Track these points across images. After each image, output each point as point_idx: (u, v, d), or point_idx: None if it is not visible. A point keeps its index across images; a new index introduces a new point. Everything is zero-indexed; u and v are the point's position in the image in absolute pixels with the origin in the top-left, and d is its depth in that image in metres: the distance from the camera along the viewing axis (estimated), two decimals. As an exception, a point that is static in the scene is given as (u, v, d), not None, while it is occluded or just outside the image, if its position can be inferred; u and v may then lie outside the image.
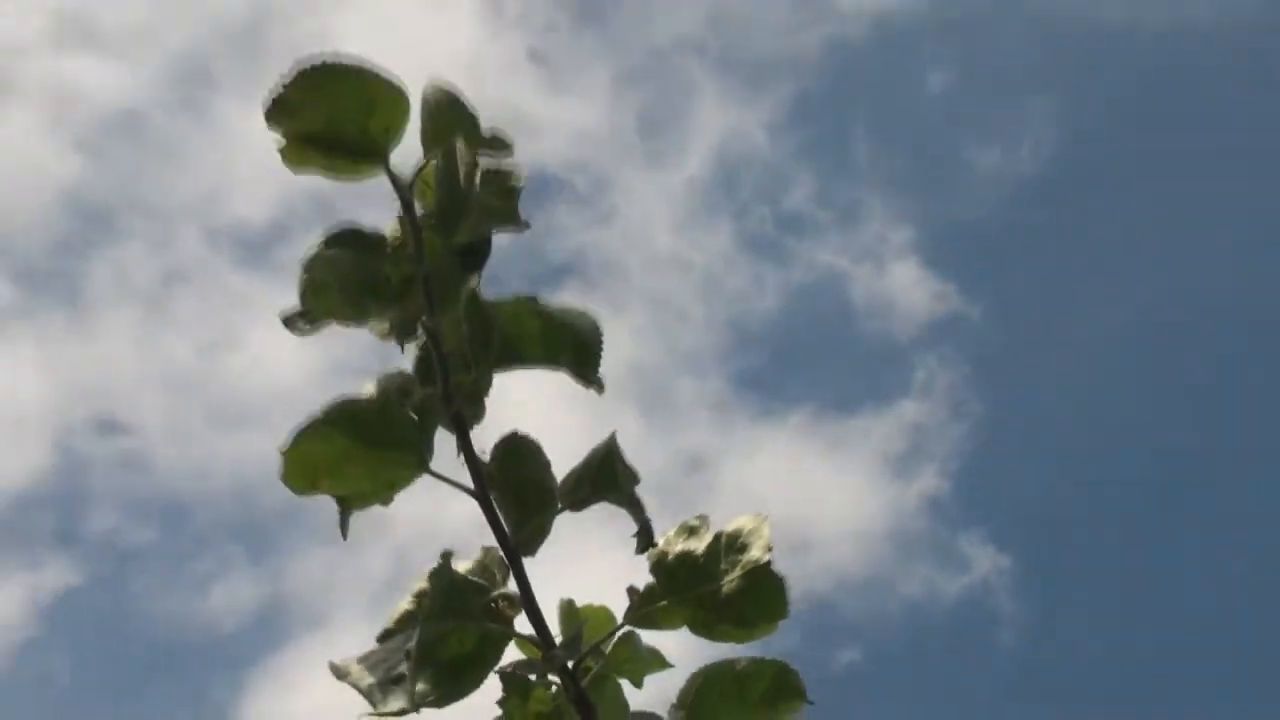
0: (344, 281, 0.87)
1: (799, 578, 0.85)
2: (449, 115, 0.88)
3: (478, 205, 0.86)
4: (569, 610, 0.88)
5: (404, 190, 0.90)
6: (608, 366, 0.90)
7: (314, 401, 0.86)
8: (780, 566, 0.85)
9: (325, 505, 0.86)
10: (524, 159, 0.89)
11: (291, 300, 0.89)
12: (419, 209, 0.91)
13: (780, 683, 0.87)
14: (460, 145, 0.85)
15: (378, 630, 0.87)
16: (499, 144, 0.88)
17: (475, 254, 0.90)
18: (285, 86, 0.85)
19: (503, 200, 0.88)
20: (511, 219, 0.87)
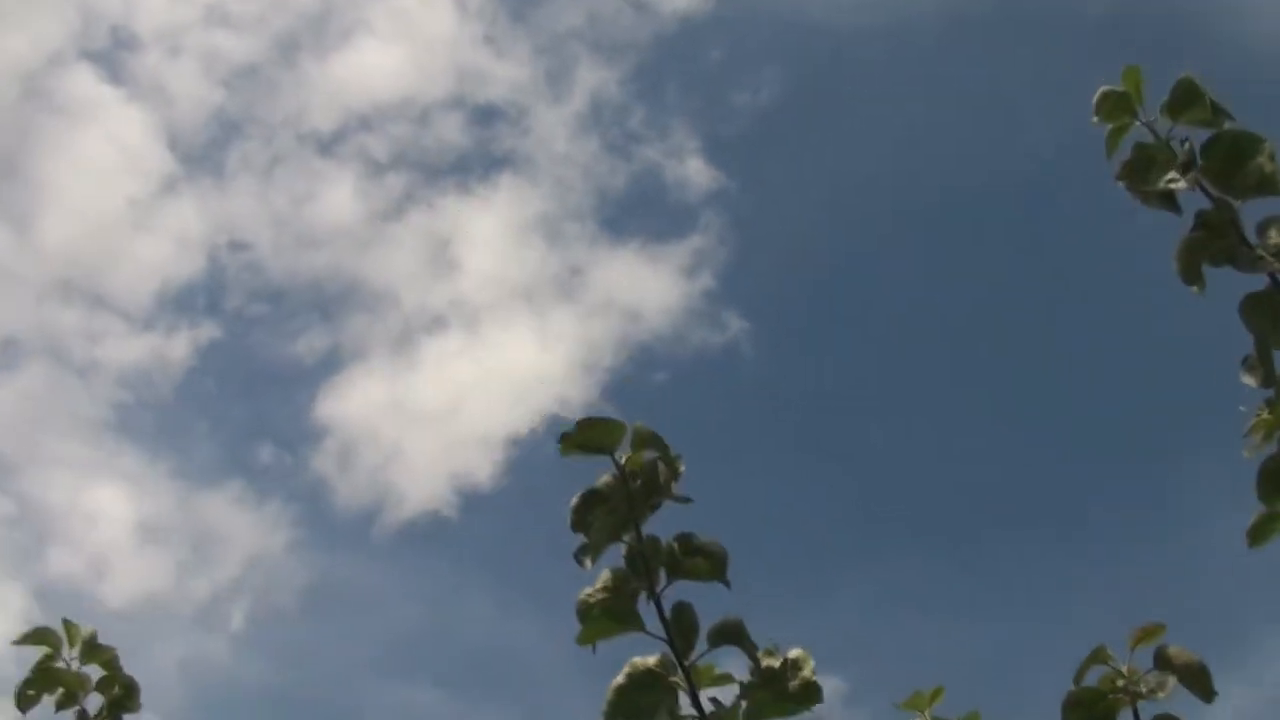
0: (599, 523, 1.71)
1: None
2: (649, 437, 1.71)
3: (664, 487, 1.70)
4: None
5: (622, 470, 1.73)
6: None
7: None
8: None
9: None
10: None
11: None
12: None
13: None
14: (654, 455, 1.69)
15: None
16: (673, 459, 1.71)
17: (655, 507, 1.74)
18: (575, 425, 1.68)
19: (672, 479, 1.72)
20: (679, 498, 1.71)
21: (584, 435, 1.67)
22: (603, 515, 1.69)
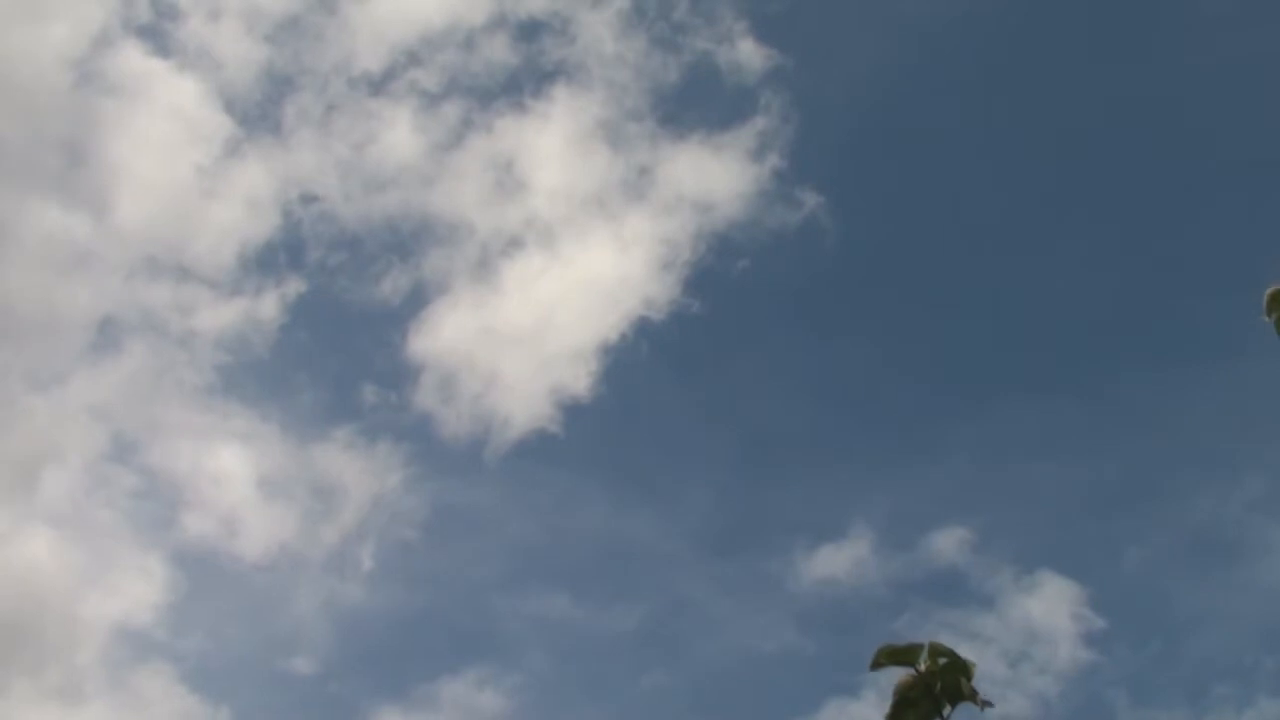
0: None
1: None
2: (943, 650, 2.12)
3: (966, 692, 2.12)
4: None
5: (923, 676, 2.15)
6: None
7: None
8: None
9: None
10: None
11: None
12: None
13: None
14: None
15: None
16: (965, 665, 2.13)
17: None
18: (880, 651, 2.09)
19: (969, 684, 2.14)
20: (981, 703, 2.14)
21: (891, 656, 2.09)
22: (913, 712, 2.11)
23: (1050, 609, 30.89)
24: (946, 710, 2.14)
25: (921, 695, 2.12)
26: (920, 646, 2.11)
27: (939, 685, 2.09)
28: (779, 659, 32.81)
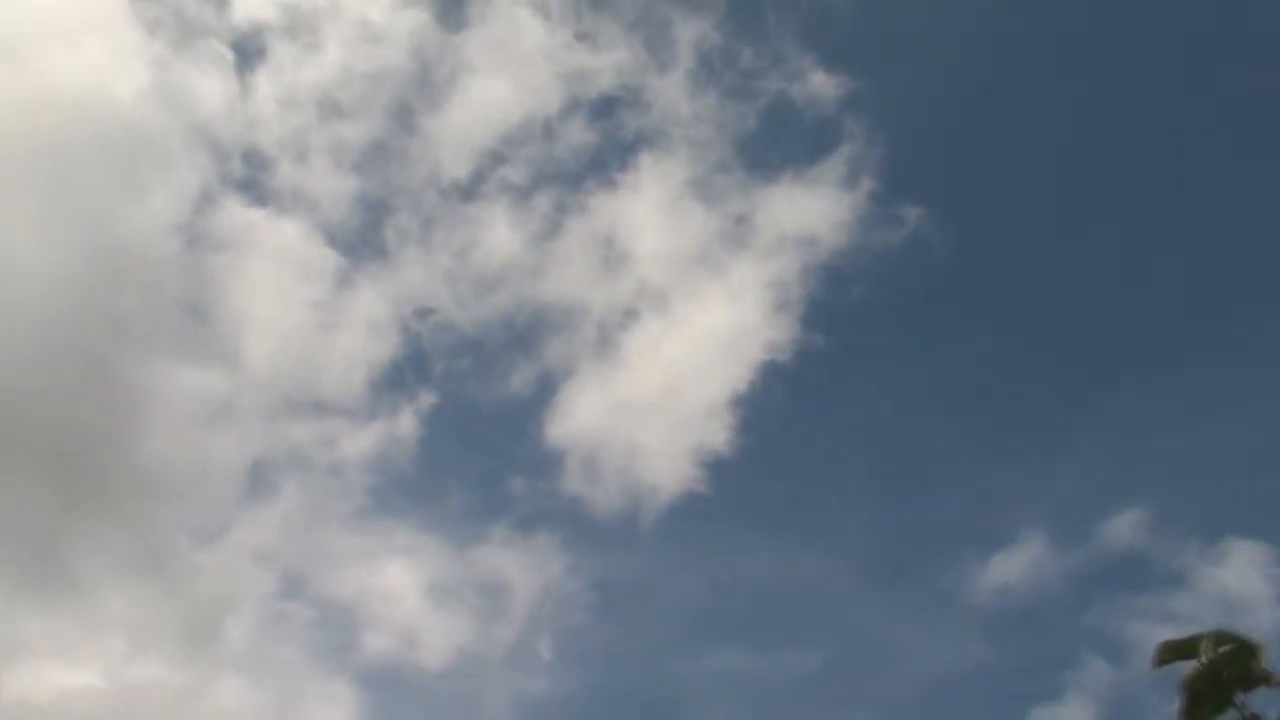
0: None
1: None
2: (1226, 636, 2.15)
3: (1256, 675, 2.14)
4: None
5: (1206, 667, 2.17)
6: None
7: None
8: None
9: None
10: None
11: None
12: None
13: None
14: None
15: None
16: (1254, 646, 2.15)
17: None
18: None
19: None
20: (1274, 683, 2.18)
21: (1172, 652, 2.10)
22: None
23: (1243, 575, 29.98)
24: (1239, 697, 2.13)
25: (1209, 686, 2.12)
26: (1200, 637, 2.13)
27: (1226, 673, 2.09)
28: (970, 675, 32.26)
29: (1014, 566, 33.51)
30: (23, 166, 33.57)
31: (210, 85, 37.01)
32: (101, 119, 35.08)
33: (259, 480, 36.06)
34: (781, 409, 36.42)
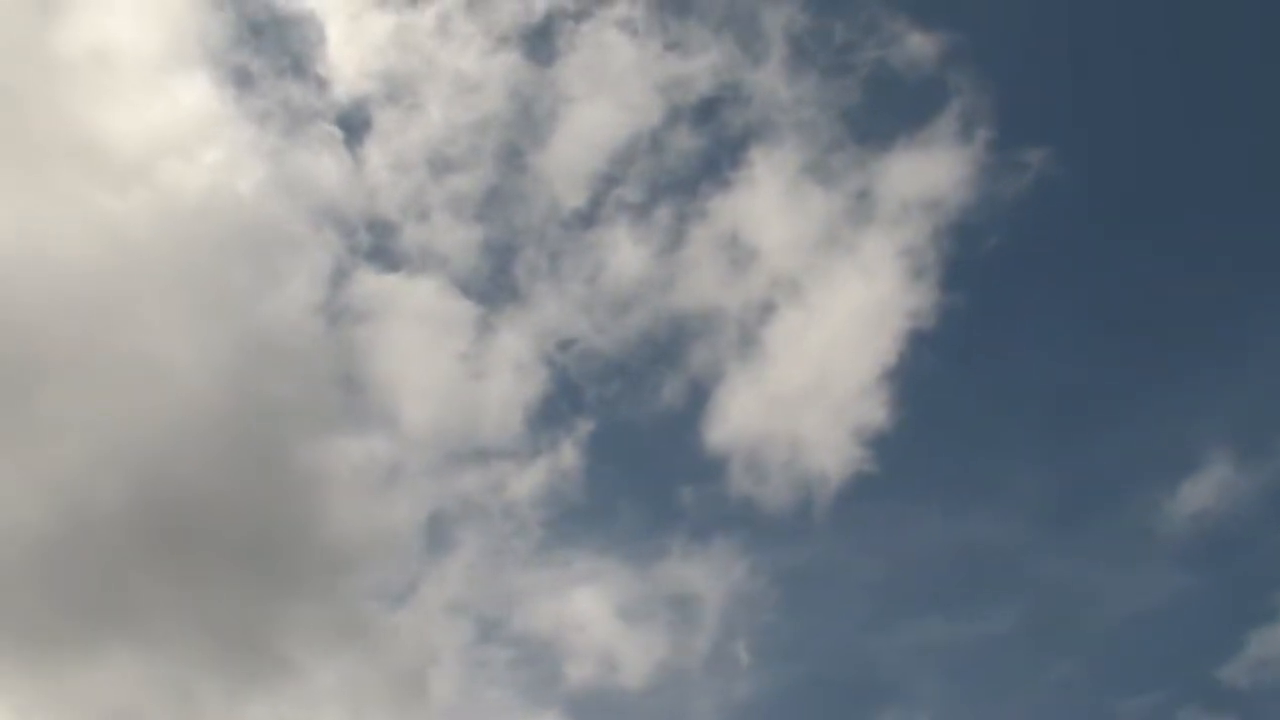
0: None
1: None
2: None
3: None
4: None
5: None
6: None
7: None
8: None
9: None
10: None
11: None
12: None
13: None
14: None
15: None
16: None
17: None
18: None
19: None
20: None
21: None
22: None
23: None
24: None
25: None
26: None
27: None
28: (1175, 609, 31.40)
29: (1204, 491, 32.52)
30: (163, 277, 35.08)
31: (325, 165, 38.17)
32: (230, 217, 36.49)
33: (437, 534, 37.04)
34: (935, 375, 35.99)
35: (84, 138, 34.39)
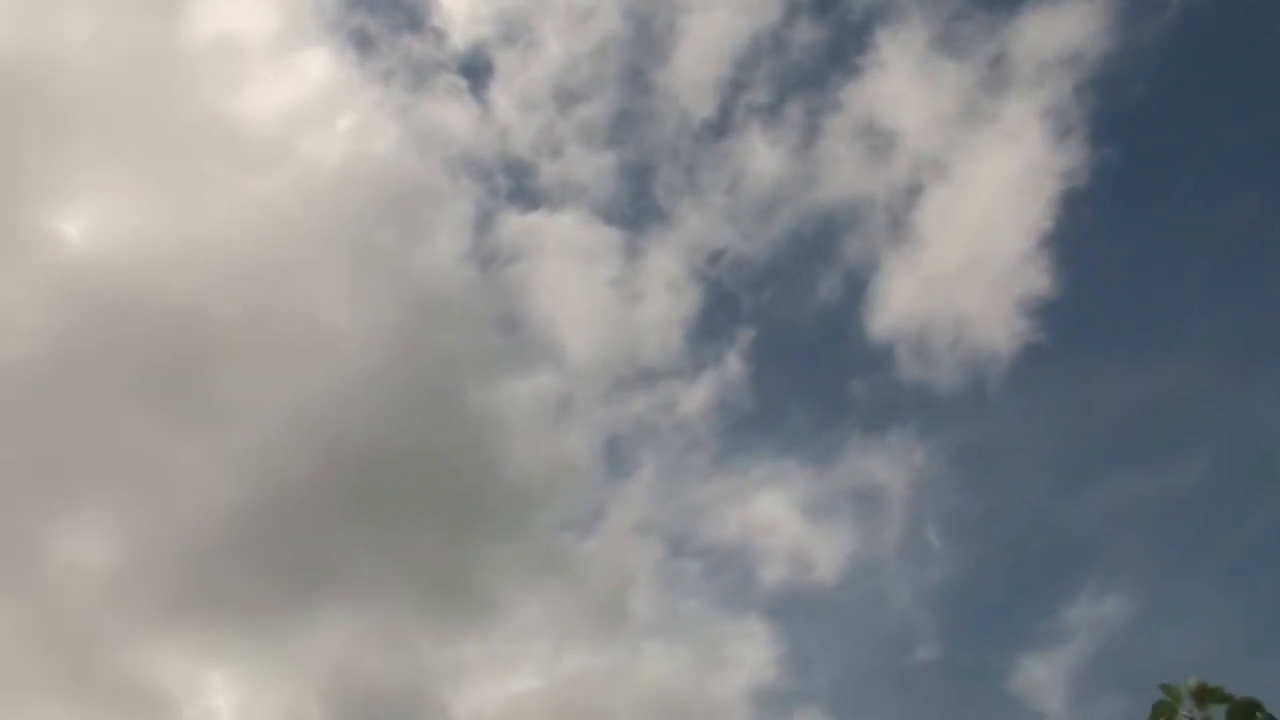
0: None
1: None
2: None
3: None
4: None
5: None
6: None
7: None
8: None
9: None
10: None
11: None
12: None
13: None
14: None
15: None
16: None
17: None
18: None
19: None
20: None
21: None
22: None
23: None
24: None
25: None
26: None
27: None
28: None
29: None
30: (317, 247, 36.02)
31: (453, 115, 38.55)
32: (370, 180, 37.19)
33: (615, 460, 37.64)
34: (1095, 233, 35.05)
35: (222, 125, 35.38)
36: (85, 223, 33.89)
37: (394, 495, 34.30)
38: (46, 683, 29.77)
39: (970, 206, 35.88)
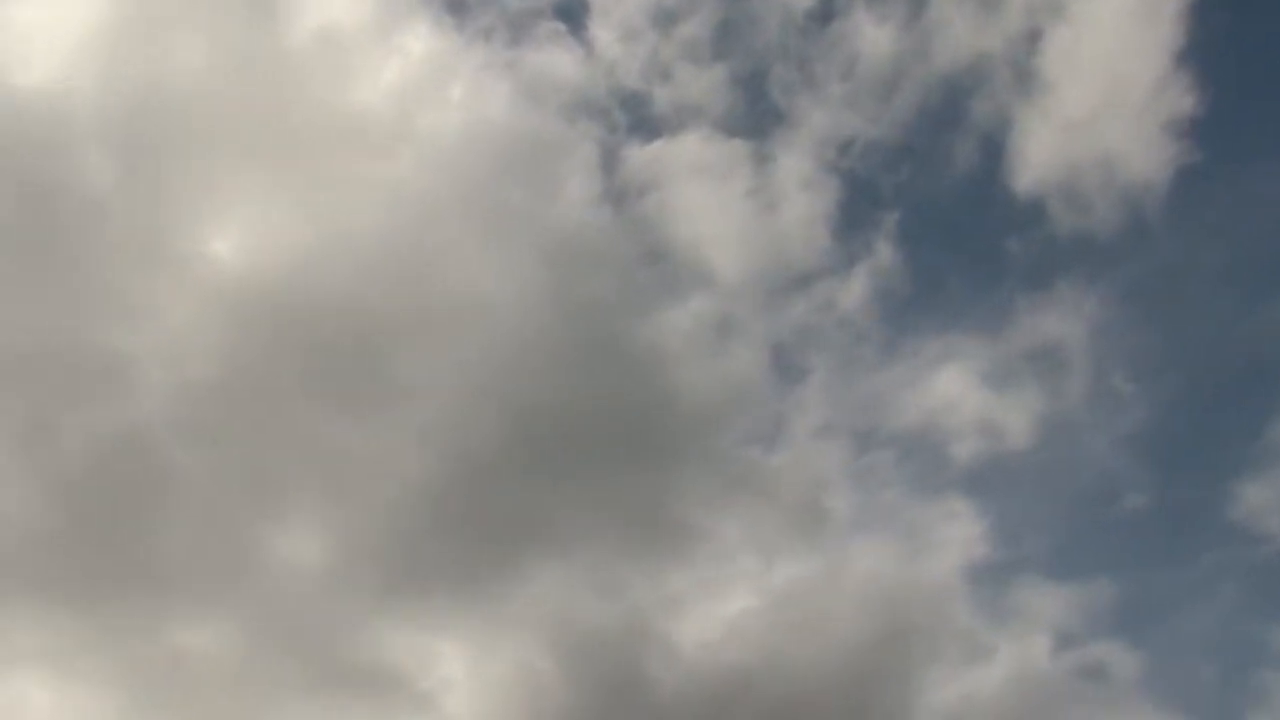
0: None
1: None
2: None
3: None
4: None
5: None
6: None
7: None
8: None
9: None
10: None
11: None
12: None
13: None
14: None
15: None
16: None
17: None
18: None
19: None
20: None
21: None
22: None
23: None
24: None
25: None
26: None
27: None
28: None
29: None
30: (453, 219, 36.45)
31: (559, 60, 38.62)
32: (492, 143, 37.50)
33: (785, 368, 37.66)
34: (1231, 41, 33.85)
35: (341, 118, 35.88)
36: (233, 239, 34.74)
37: (577, 444, 34.78)
38: (293, 679, 30.93)
39: (1095, 41, 34.91)
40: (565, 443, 34.59)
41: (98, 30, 34.23)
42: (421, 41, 38.15)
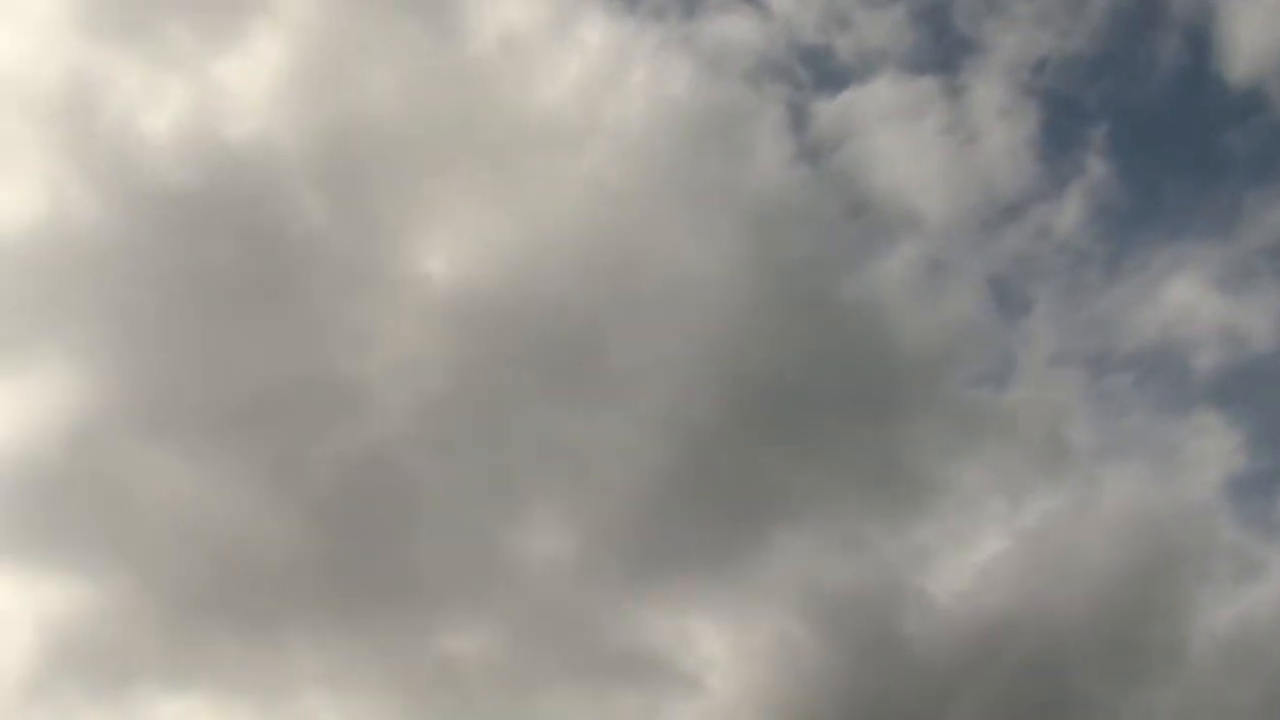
0: None
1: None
2: None
3: None
4: None
5: None
6: None
7: None
8: None
9: None
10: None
11: None
12: None
13: None
14: None
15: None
16: None
17: None
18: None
19: None
20: None
21: None
22: None
23: None
24: None
25: None
26: None
27: None
28: None
29: None
30: (652, 200, 36.71)
31: (734, 24, 38.45)
32: (683, 120, 37.59)
33: (1006, 301, 36.76)
34: None
35: (531, 120, 36.54)
36: (444, 254, 35.75)
37: (803, 408, 34.66)
38: (559, 671, 31.79)
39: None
40: (791, 408, 34.54)
41: (292, 74, 35.65)
42: (598, 31, 38.52)
